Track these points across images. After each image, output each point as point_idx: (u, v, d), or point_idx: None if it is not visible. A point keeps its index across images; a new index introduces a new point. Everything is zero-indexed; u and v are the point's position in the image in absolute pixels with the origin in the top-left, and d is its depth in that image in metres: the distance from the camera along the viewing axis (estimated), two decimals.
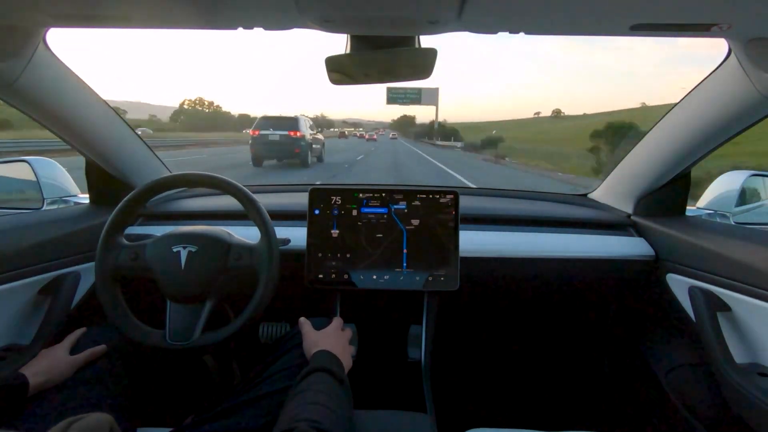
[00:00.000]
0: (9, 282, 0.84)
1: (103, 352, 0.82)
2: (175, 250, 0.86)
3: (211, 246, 0.88)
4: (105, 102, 1.03)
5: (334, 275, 1.03)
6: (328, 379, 0.67)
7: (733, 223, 1.23)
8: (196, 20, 0.67)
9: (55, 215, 1.08)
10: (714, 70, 0.85)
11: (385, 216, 1.04)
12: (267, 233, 0.88)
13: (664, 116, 1.04)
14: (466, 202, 1.10)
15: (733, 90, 0.82)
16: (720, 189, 1.30)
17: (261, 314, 0.86)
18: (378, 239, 1.03)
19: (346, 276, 1.03)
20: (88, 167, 1.14)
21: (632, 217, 1.20)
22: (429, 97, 64.67)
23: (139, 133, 1.20)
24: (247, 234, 0.94)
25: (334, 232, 1.04)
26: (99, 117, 1.03)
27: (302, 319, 0.86)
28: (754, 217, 1.37)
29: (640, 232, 1.16)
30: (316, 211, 1.04)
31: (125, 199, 0.89)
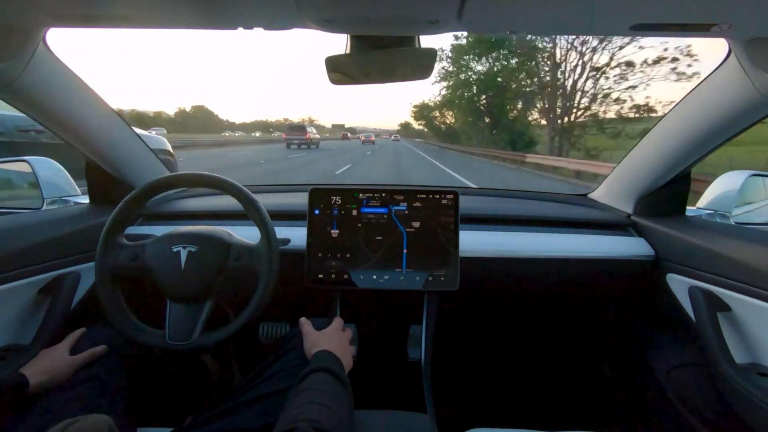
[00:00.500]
0: (9, 282, 0.84)
1: (103, 353, 0.82)
2: (175, 250, 0.86)
3: (211, 246, 0.88)
4: (105, 102, 1.03)
5: (334, 275, 1.03)
6: (329, 379, 0.67)
7: (733, 223, 1.23)
8: (196, 20, 0.67)
9: (55, 215, 1.07)
10: (714, 70, 0.85)
11: (385, 216, 1.04)
12: (267, 233, 0.88)
13: (664, 116, 1.04)
14: (466, 202, 1.10)
15: (733, 90, 0.82)
16: (720, 189, 1.30)
17: (261, 314, 0.86)
18: (378, 241, 1.04)
19: (346, 276, 1.03)
20: (88, 167, 1.14)
21: (632, 217, 1.20)
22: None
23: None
24: (247, 234, 0.94)
25: (334, 232, 1.04)
26: (99, 117, 1.03)
27: (302, 320, 0.86)
28: (754, 217, 1.37)
29: (640, 232, 1.16)
30: (316, 211, 1.04)
31: (125, 199, 0.89)
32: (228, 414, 0.73)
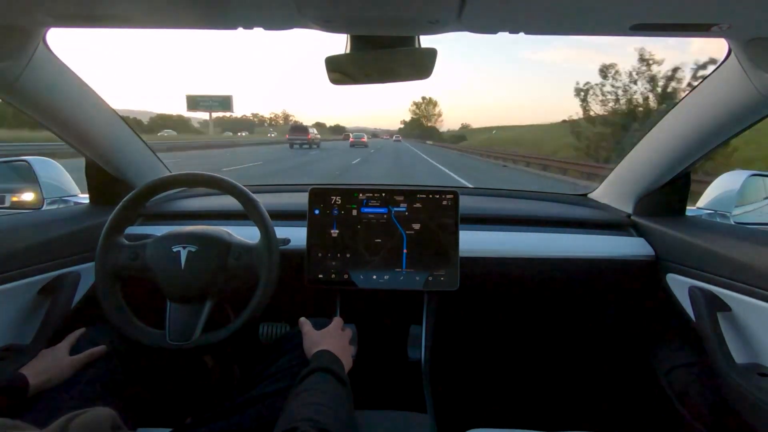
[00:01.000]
0: (9, 282, 0.84)
1: (103, 353, 0.82)
2: (175, 249, 0.86)
3: (211, 246, 0.88)
4: (105, 102, 1.03)
5: (334, 275, 1.03)
6: (329, 379, 0.67)
7: (733, 223, 1.23)
8: (196, 20, 0.67)
9: (55, 215, 1.08)
10: (714, 70, 0.85)
11: (385, 216, 1.04)
12: (267, 233, 0.88)
13: (664, 116, 1.04)
14: (466, 202, 1.10)
15: (733, 90, 0.82)
16: (720, 189, 1.30)
17: (261, 314, 0.86)
18: (378, 244, 1.03)
19: (346, 276, 1.03)
20: (88, 167, 1.14)
21: (632, 217, 1.20)
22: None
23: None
24: (247, 234, 0.94)
25: (334, 232, 1.04)
26: (99, 117, 1.03)
27: (302, 319, 0.86)
28: (754, 217, 1.37)
29: (640, 232, 1.16)
30: (316, 211, 1.04)
31: (125, 199, 0.89)
32: (228, 414, 0.73)
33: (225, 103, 57.83)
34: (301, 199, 1.08)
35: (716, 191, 1.30)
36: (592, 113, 15.78)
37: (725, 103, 0.85)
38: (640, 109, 14.20)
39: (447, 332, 1.20)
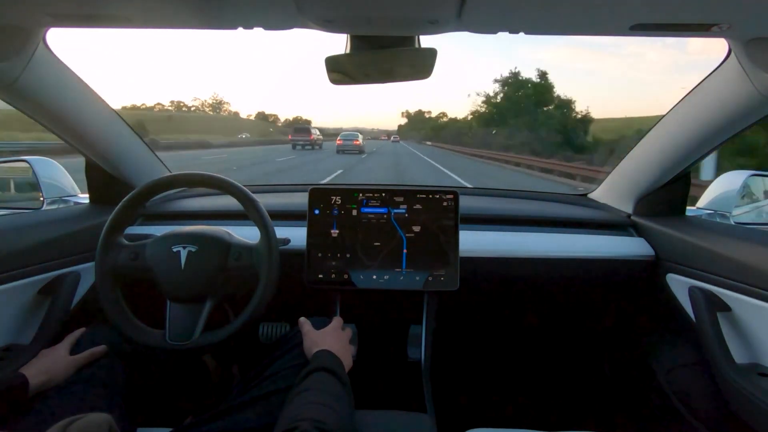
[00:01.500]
0: (9, 282, 0.84)
1: (103, 353, 0.82)
2: (175, 250, 0.86)
3: (211, 246, 0.88)
4: (105, 102, 1.03)
5: (334, 275, 1.03)
6: (329, 379, 0.67)
7: (733, 223, 1.23)
8: (196, 20, 0.67)
9: (55, 215, 1.08)
10: (714, 70, 0.85)
11: (385, 216, 1.04)
12: (267, 233, 0.88)
13: (664, 116, 1.04)
14: (465, 202, 1.10)
15: (733, 90, 0.82)
16: (720, 189, 1.30)
17: (261, 314, 0.86)
18: (377, 247, 1.03)
19: (345, 276, 1.03)
20: (88, 167, 1.14)
21: (632, 217, 1.20)
22: None
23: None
24: (247, 234, 0.94)
25: (334, 232, 1.04)
26: (99, 117, 1.03)
27: (302, 319, 0.86)
28: (754, 217, 1.37)
29: (640, 232, 1.16)
30: (316, 211, 1.04)
31: (125, 199, 0.89)
32: (228, 414, 0.73)
33: None
34: (301, 199, 1.08)
35: (716, 191, 1.30)
36: None
37: (725, 103, 0.85)
38: None
39: (447, 332, 1.20)
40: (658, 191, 1.13)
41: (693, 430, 0.96)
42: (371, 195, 1.04)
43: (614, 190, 1.29)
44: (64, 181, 1.31)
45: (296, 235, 1.03)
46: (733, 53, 0.77)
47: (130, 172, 1.15)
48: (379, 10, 0.60)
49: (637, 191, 1.18)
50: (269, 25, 0.66)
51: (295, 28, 0.66)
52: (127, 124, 1.12)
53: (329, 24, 0.65)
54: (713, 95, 0.88)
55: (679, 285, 1.01)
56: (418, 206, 1.03)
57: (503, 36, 0.67)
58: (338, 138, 24.99)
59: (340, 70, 0.81)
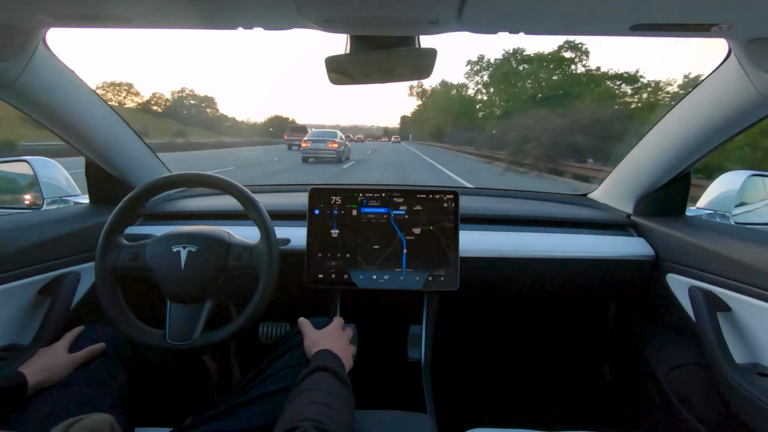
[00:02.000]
0: (9, 282, 0.84)
1: (102, 350, 0.81)
2: (174, 250, 0.86)
3: (211, 246, 0.88)
4: (105, 102, 1.03)
5: (334, 275, 1.03)
6: (330, 379, 0.67)
7: (732, 223, 1.23)
8: (196, 20, 0.67)
9: (55, 215, 1.07)
10: (714, 70, 0.85)
11: (385, 216, 1.04)
12: (267, 233, 0.88)
13: (664, 116, 1.04)
14: (466, 202, 1.10)
15: (733, 90, 0.82)
16: (720, 189, 1.30)
17: (261, 314, 0.86)
18: (377, 250, 1.03)
19: (346, 276, 1.03)
20: (88, 167, 1.14)
21: (632, 217, 1.20)
22: None
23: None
24: (247, 234, 0.94)
25: (334, 232, 1.04)
26: (99, 117, 1.03)
27: (302, 319, 0.86)
28: (753, 217, 1.37)
29: (640, 232, 1.16)
30: (316, 211, 1.04)
31: (125, 199, 0.89)
32: (228, 414, 0.73)
33: None
34: (301, 199, 1.08)
35: (716, 191, 1.30)
36: None
37: (725, 103, 0.85)
38: None
39: (447, 332, 1.20)
40: (658, 191, 1.13)
41: (693, 430, 0.96)
42: (371, 195, 1.04)
43: (614, 190, 1.29)
44: (64, 181, 1.31)
45: (296, 235, 1.03)
46: (733, 53, 0.77)
47: (130, 172, 1.15)
48: (379, 10, 0.60)
49: (637, 191, 1.18)
50: (269, 25, 0.66)
51: (295, 28, 0.66)
52: (127, 124, 1.12)
53: (329, 24, 0.65)
54: (713, 95, 0.88)
55: (679, 285, 1.01)
56: (418, 207, 1.03)
57: (503, 35, 0.67)
58: (306, 142, 15.52)
59: (340, 70, 0.81)
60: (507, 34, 0.66)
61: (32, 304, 0.90)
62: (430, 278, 1.02)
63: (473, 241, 1.09)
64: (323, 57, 0.77)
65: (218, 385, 1.18)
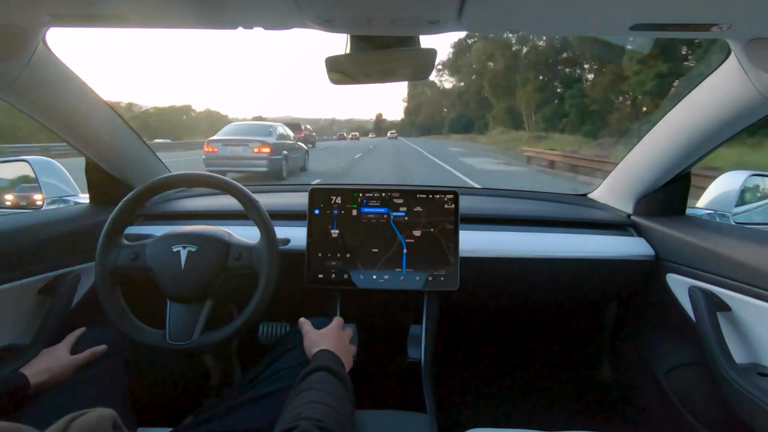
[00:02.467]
0: (9, 282, 0.84)
1: (103, 352, 0.81)
2: (174, 249, 0.86)
3: (211, 246, 0.88)
4: (105, 102, 1.03)
5: (334, 275, 1.03)
6: (330, 378, 0.67)
7: (733, 223, 1.23)
8: (195, 20, 0.67)
9: (55, 215, 1.07)
10: (714, 70, 0.85)
11: (385, 216, 1.04)
12: (267, 233, 0.88)
13: (664, 116, 1.04)
14: (466, 202, 1.10)
15: (733, 90, 0.82)
16: (720, 189, 1.30)
17: (261, 314, 0.86)
18: (376, 254, 1.03)
19: (345, 276, 1.03)
20: (88, 167, 1.14)
21: (632, 217, 1.20)
22: None
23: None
24: (247, 234, 0.94)
25: (334, 232, 1.04)
26: (99, 117, 1.03)
27: (302, 319, 0.86)
28: (754, 217, 1.37)
29: (640, 232, 1.16)
30: (316, 211, 1.04)
31: (125, 199, 0.89)
32: (228, 414, 0.73)
33: None
34: (301, 199, 1.08)
35: (716, 191, 1.30)
36: None
37: (725, 103, 0.85)
38: None
39: (447, 332, 1.20)
40: (658, 191, 1.13)
41: (693, 430, 0.97)
42: (371, 195, 1.04)
43: (614, 190, 1.29)
44: (64, 181, 1.31)
45: (296, 235, 1.03)
46: (733, 53, 0.77)
47: (130, 172, 1.15)
48: (379, 10, 0.60)
49: (637, 191, 1.18)
50: (269, 25, 0.66)
51: (295, 28, 0.66)
52: (127, 124, 1.12)
53: (329, 24, 0.65)
54: (713, 95, 0.88)
55: (679, 285, 1.01)
56: (418, 208, 1.03)
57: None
58: (208, 140, 8.35)
59: (340, 70, 0.81)
60: (507, 33, 0.66)
61: (32, 304, 0.90)
62: (430, 278, 1.02)
63: (473, 241, 1.09)
64: (323, 57, 0.77)
65: (218, 385, 1.18)
